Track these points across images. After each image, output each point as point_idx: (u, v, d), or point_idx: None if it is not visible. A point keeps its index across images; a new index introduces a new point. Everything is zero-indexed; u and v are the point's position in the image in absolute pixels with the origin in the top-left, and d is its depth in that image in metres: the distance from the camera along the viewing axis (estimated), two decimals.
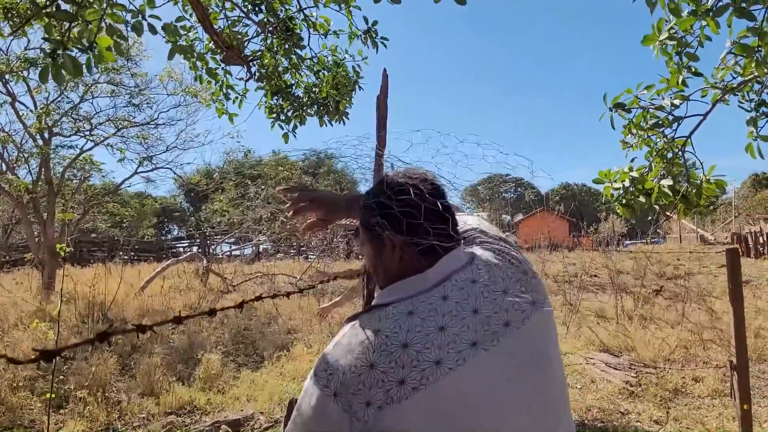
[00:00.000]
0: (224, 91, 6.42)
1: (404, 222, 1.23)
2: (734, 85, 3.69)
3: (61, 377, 6.08)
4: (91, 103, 15.88)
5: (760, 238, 24.96)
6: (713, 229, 37.23)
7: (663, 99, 3.76)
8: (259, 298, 1.86)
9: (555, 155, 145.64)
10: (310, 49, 6.36)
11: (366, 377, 1.03)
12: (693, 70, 3.59)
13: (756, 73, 3.46)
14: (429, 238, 1.21)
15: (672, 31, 3.38)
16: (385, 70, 2.85)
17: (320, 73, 6.63)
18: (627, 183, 3.75)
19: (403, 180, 1.28)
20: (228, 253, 22.69)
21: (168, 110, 19.66)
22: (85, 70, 3.33)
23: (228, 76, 6.39)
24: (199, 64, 5.98)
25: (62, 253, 3.95)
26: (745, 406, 3.97)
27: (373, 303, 1.24)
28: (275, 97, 6.48)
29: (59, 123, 14.63)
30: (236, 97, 6.49)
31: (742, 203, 39.10)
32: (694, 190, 3.74)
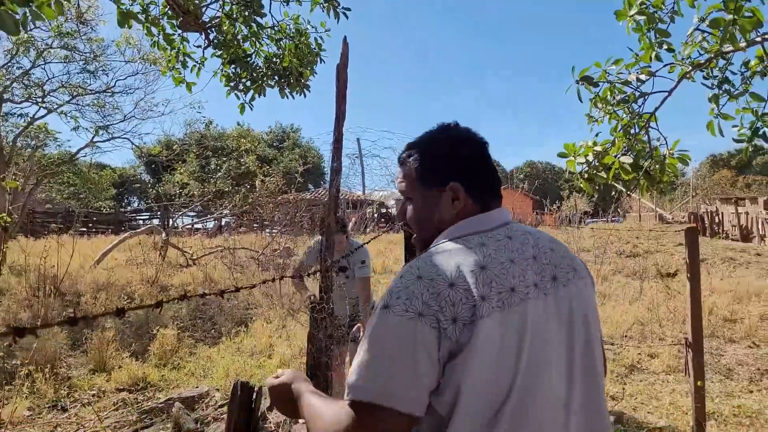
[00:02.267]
0: (181, 58, 6.16)
1: (473, 170, 1.32)
2: (701, 62, 3.65)
3: (7, 351, 5.85)
4: (44, 69, 15.25)
5: (716, 218, 25.62)
6: (671, 208, 38.10)
7: (630, 74, 3.70)
8: (203, 295, 1.74)
9: (519, 133, 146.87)
10: (272, 16, 6.15)
11: (448, 295, 1.07)
12: (666, 46, 3.54)
13: (723, 49, 3.43)
14: (490, 187, 1.34)
15: (643, 6, 3.32)
16: (345, 38, 2.71)
17: (281, 42, 6.42)
18: (591, 157, 3.71)
19: (465, 132, 1.37)
20: (189, 226, 22.29)
21: (125, 78, 19.07)
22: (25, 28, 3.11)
23: (185, 43, 6.14)
24: (155, 30, 5.71)
25: (2, 223, 3.73)
26: (699, 383, 4.01)
27: (436, 242, 1.29)
28: (233, 66, 6.25)
29: (10, 89, 14.01)
30: (194, 66, 6.24)
31: (700, 183, 40.02)
32: (657, 166, 3.72)
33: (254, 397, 1.89)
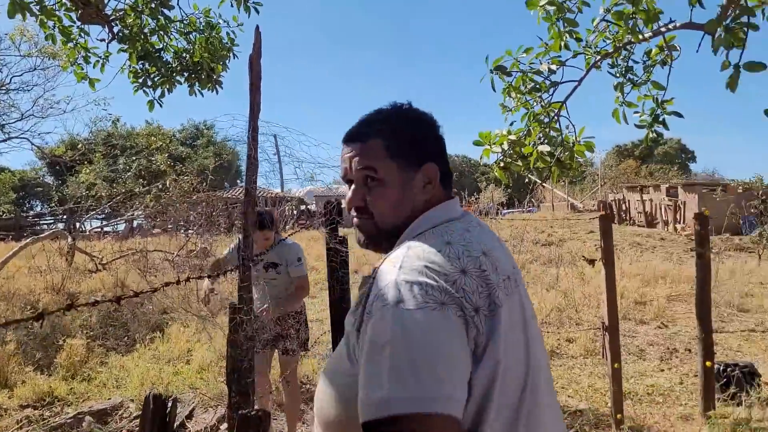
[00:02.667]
0: (82, 53, 5.80)
1: (444, 152, 1.23)
2: (608, 51, 3.79)
3: None
4: None
5: (623, 206, 27.01)
6: (582, 197, 39.81)
7: (541, 63, 3.79)
8: (117, 299, 1.61)
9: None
10: (180, 9, 5.90)
11: (464, 282, 0.97)
12: (575, 35, 3.64)
13: (631, 39, 3.57)
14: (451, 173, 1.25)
15: None
16: (257, 27, 2.61)
17: (191, 36, 6.17)
18: (506, 146, 3.76)
19: (421, 111, 1.26)
20: (98, 229, 21.24)
21: (22, 74, 17.89)
22: None
23: (86, 37, 5.78)
24: (51, 22, 5.34)
25: None
26: (616, 365, 4.17)
27: (413, 231, 1.17)
28: (141, 62, 5.95)
29: None
30: (97, 61, 5.89)
31: (607, 173, 42.03)
32: (567, 153, 3.84)
33: (170, 407, 1.79)
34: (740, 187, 20.16)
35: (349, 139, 1.22)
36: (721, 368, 4.69)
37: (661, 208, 23.24)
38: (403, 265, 0.99)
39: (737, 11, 3.11)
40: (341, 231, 3.23)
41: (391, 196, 1.18)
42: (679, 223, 21.44)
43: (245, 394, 2.45)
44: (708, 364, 4.29)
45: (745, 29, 3.00)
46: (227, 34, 6.08)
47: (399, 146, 1.19)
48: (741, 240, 17.19)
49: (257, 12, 5.71)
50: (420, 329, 0.90)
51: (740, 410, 4.25)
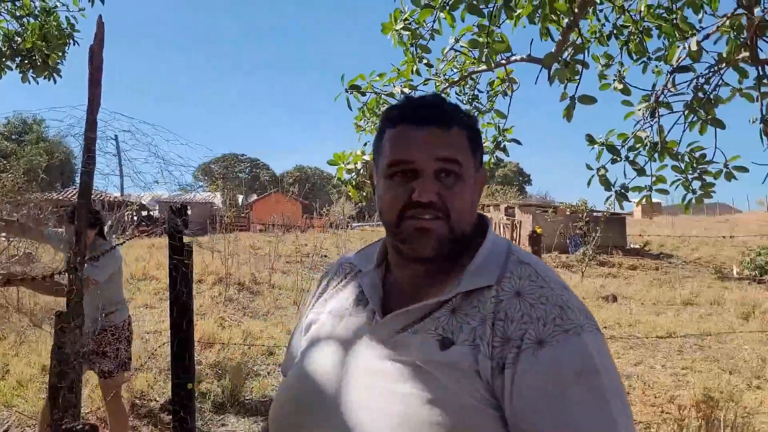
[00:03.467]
0: None
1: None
2: (455, 79, 4.00)
3: None
4: None
5: None
6: None
7: (394, 86, 3.91)
8: None
9: (292, 137, 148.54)
10: None
11: None
12: (426, 61, 3.79)
13: (474, 69, 3.81)
14: None
15: (407, 22, 3.52)
16: (100, 17, 2.44)
17: (24, 20, 5.64)
18: (359, 165, 3.83)
19: None
20: None
21: None
22: None
23: None
24: None
25: None
26: None
27: (498, 250, 1.03)
28: None
29: None
30: None
31: None
32: None
33: None
34: (568, 210, 22.06)
35: (426, 121, 0.99)
36: None
37: (500, 226, 24.85)
38: (554, 289, 0.93)
39: (572, 49, 3.45)
40: (185, 238, 3.09)
41: (468, 196, 1.01)
42: (516, 240, 23.08)
43: (71, 407, 2.25)
44: None
45: (579, 66, 3.33)
46: (67, 18, 5.63)
47: (477, 142, 1.05)
48: (567, 258, 18.83)
49: (102, 2, 5.34)
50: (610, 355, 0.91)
51: None
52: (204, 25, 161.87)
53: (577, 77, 3.33)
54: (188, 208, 3.29)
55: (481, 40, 3.19)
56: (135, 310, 8.32)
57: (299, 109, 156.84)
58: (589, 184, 3.69)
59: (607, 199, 3.64)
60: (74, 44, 5.73)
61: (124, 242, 3.37)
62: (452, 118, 0.99)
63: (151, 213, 27.60)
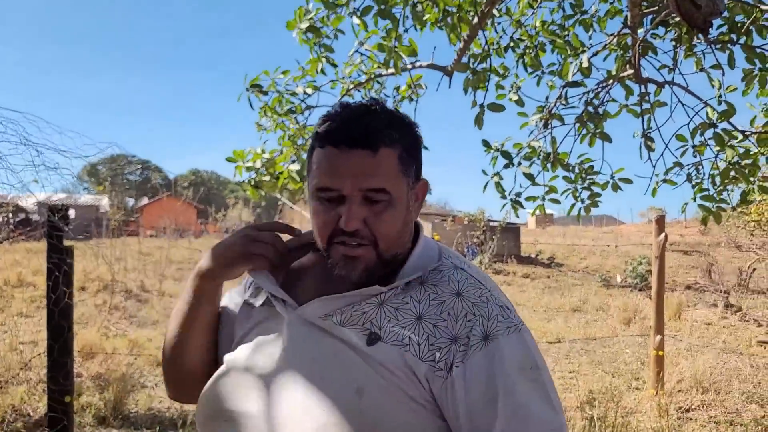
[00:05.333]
0: None
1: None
2: (360, 81, 3.99)
3: None
4: None
5: None
6: None
7: (297, 86, 3.85)
8: None
9: (183, 138, 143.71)
10: None
11: None
12: (330, 61, 3.76)
13: (378, 72, 3.82)
14: None
15: (312, 21, 3.47)
16: None
17: None
18: (258, 164, 3.73)
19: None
20: None
21: None
22: None
23: None
24: None
25: None
26: None
27: (428, 258, 1.03)
28: None
29: None
30: None
31: None
32: None
33: None
34: (466, 219, 22.69)
35: (353, 142, 0.94)
36: None
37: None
38: (490, 289, 0.99)
39: (473, 58, 3.55)
40: (67, 242, 2.87)
41: (400, 219, 0.98)
42: None
43: None
44: None
45: (488, 74, 3.44)
46: None
47: (409, 159, 1.00)
48: None
49: None
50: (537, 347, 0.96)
51: None
52: (89, 17, 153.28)
53: (485, 84, 3.44)
54: (69, 208, 3.07)
55: (386, 43, 3.21)
56: (8, 319, 7.70)
57: (196, 110, 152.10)
58: (484, 189, 3.81)
59: (503, 206, 3.76)
60: None
61: None
62: (380, 139, 0.94)
63: (30, 216, 25.75)
